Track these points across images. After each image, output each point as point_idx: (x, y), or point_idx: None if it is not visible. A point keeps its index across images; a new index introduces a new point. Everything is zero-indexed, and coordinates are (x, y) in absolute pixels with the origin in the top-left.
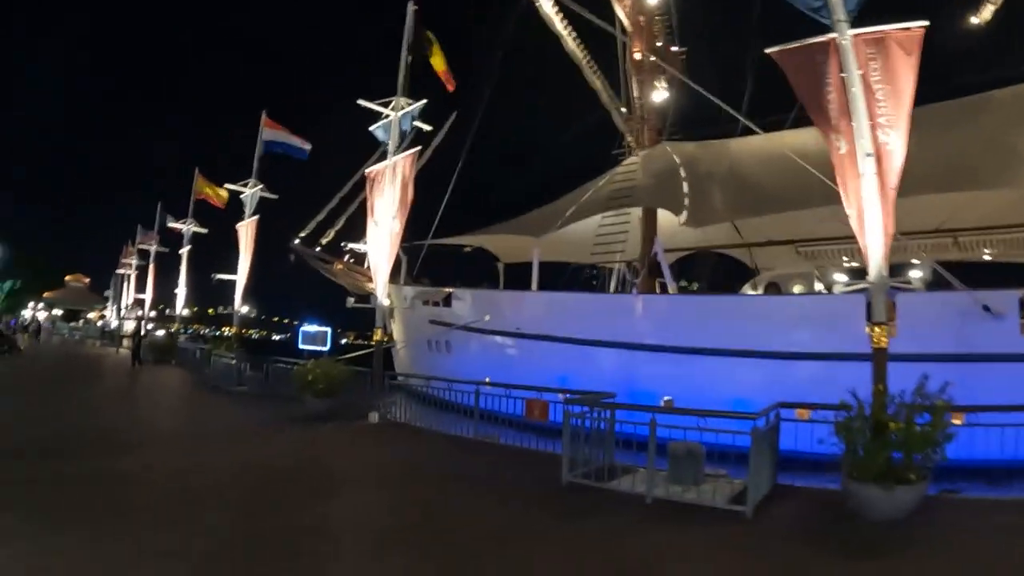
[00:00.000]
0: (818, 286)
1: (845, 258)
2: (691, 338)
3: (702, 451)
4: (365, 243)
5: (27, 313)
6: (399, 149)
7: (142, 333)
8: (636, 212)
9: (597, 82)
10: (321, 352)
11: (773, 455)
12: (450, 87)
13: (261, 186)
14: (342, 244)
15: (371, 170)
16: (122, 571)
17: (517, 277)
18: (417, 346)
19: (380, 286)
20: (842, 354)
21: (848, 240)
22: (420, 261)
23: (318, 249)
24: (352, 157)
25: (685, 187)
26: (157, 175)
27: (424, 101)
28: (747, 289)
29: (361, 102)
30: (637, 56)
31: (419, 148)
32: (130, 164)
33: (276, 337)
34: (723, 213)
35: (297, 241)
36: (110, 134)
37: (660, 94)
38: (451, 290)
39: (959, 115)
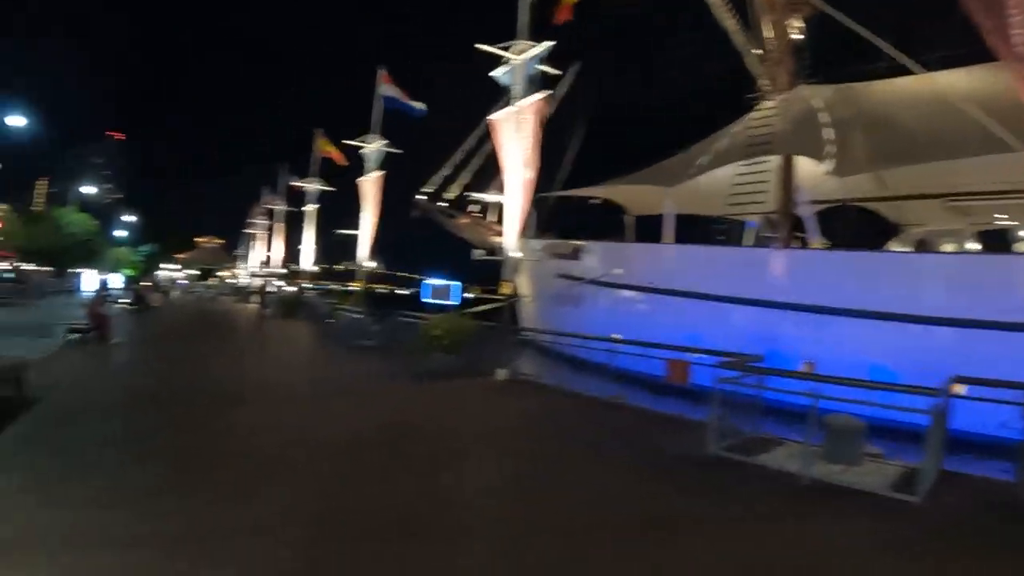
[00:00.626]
0: (970, 245)
1: (1000, 215)
2: (835, 298)
3: (863, 427)
4: (491, 193)
5: (160, 274)
6: (524, 95)
7: (267, 289)
8: (775, 161)
9: (730, 20)
10: (447, 306)
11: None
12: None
13: (385, 142)
14: (466, 194)
15: (495, 117)
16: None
17: (646, 230)
18: (544, 300)
19: (512, 237)
20: (1015, 324)
21: (1007, 195)
22: (546, 214)
23: (443, 204)
24: (476, 107)
25: (827, 133)
26: (281, 137)
27: (550, 43)
28: (892, 247)
29: (480, 46)
30: None
31: (549, 93)
32: (257, 128)
33: (400, 292)
34: (870, 161)
35: (421, 196)
36: (235, 103)
37: (795, 32)
38: (580, 243)
39: None
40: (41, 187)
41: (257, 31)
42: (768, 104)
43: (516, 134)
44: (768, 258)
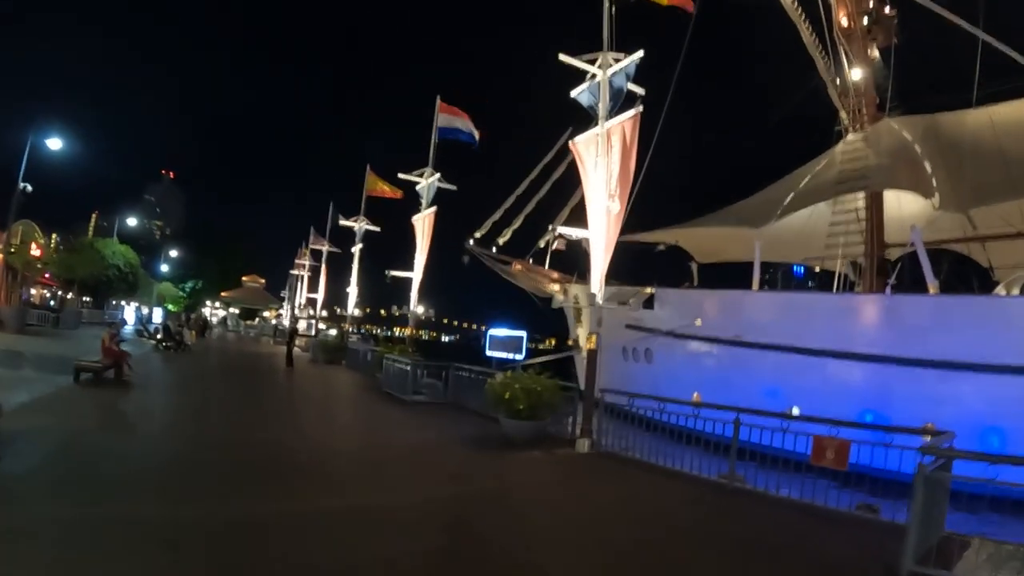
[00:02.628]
0: None
1: None
2: (962, 350)
3: None
4: (570, 227)
5: (205, 311)
6: (610, 114)
7: (299, 333)
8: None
9: (815, 49)
10: (513, 361)
11: None
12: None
13: (438, 175)
14: (550, 227)
15: (577, 141)
16: None
17: (711, 280)
18: (610, 354)
19: (596, 280)
20: None
21: None
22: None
23: (496, 248)
24: (536, 146)
25: (928, 166)
26: (332, 174)
27: (640, 53)
28: (1000, 292)
29: (564, 57)
30: (844, 22)
31: (641, 109)
32: (308, 164)
33: (445, 339)
34: (989, 194)
35: (473, 242)
36: (286, 136)
37: (874, 64)
38: (653, 290)
39: None
40: (93, 220)
41: (312, 66)
42: (854, 138)
43: (602, 158)
44: (882, 306)
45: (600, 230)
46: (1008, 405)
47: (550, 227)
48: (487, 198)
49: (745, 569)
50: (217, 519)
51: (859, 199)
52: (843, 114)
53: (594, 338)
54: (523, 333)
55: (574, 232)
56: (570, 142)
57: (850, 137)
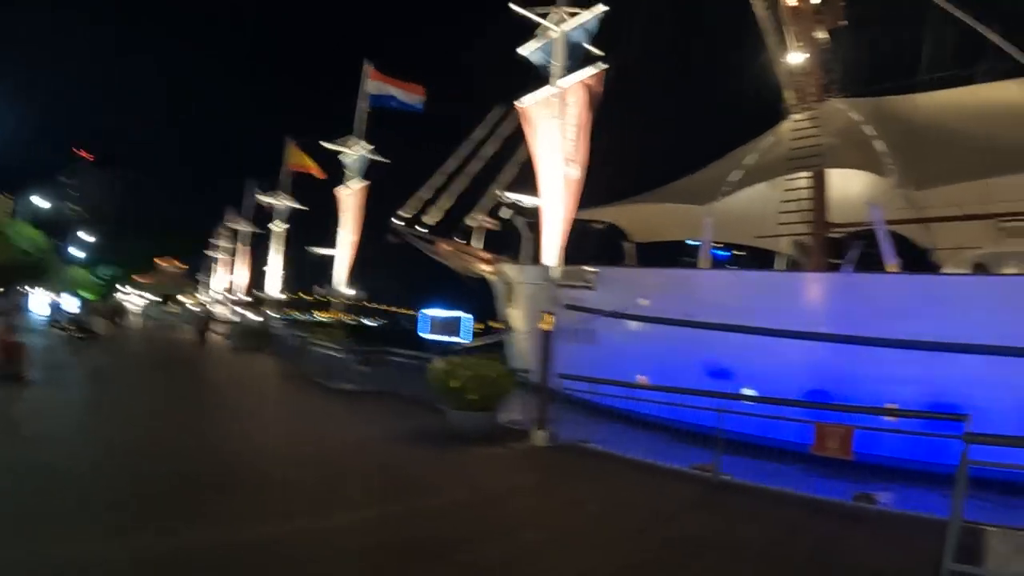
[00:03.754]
0: None
1: None
2: (923, 328)
3: None
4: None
5: (119, 298)
6: (564, 74)
7: (213, 319)
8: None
9: (767, 24)
10: (452, 344)
11: None
12: None
13: (364, 145)
14: (497, 192)
15: (525, 102)
16: None
17: (644, 260)
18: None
19: (552, 253)
20: None
21: None
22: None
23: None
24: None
25: (878, 146)
26: (250, 148)
27: (602, 7)
28: (951, 271)
29: (515, 8)
30: (792, 1)
31: (604, 68)
32: (223, 139)
33: (374, 323)
34: (945, 174)
35: (399, 221)
36: (198, 109)
37: (823, 43)
38: (596, 269)
39: None
40: (3, 202)
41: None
42: (800, 117)
43: (556, 121)
44: (842, 284)
45: (555, 198)
46: (969, 384)
47: (497, 192)
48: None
49: None
50: (120, 558)
51: (804, 179)
52: (788, 93)
53: (550, 318)
54: (465, 315)
55: (524, 199)
56: (517, 104)
57: (796, 116)
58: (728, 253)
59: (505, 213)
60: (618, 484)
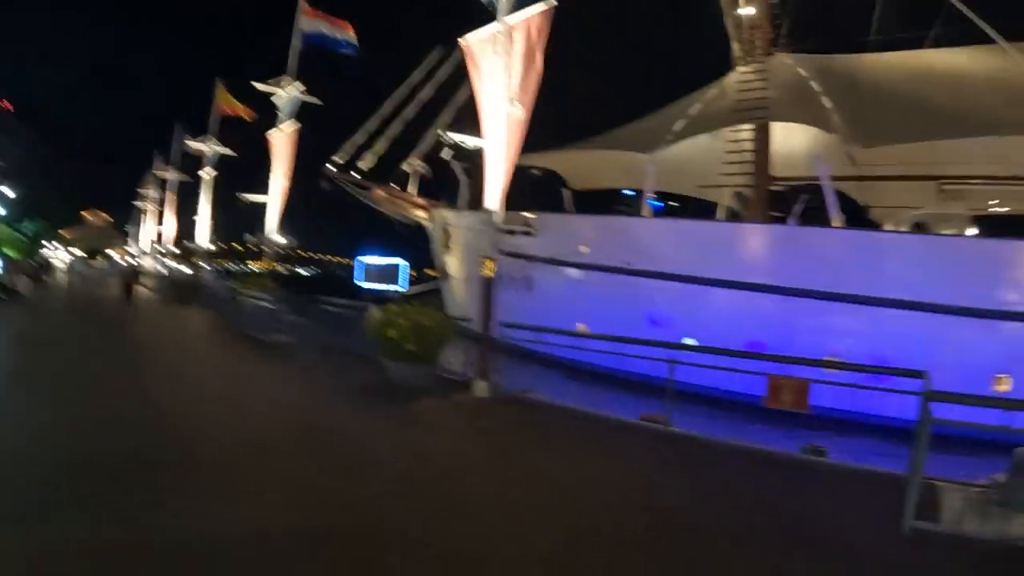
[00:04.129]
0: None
1: (993, 201)
2: (865, 283)
3: None
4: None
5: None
6: (513, 10)
7: (137, 272)
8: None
9: None
10: (390, 293)
11: None
12: None
13: (298, 85)
14: (438, 132)
15: (469, 39)
16: None
17: (585, 208)
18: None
19: (494, 197)
20: None
21: (1009, 181)
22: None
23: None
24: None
25: (826, 102)
26: (181, 93)
27: None
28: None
29: None
30: None
31: (555, 4)
32: (151, 83)
33: (307, 272)
34: (896, 133)
35: (333, 166)
36: (124, 54)
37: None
38: (534, 215)
39: None
40: None
41: None
42: (746, 70)
43: (502, 58)
44: (787, 236)
45: (499, 139)
46: (908, 340)
47: (438, 132)
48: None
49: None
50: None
51: (748, 131)
52: (736, 45)
53: (491, 264)
54: (402, 262)
55: (466, 140)
56: (462, 41)
57: (742, 69)
58: (662, 204)
59: (446, 154)
60: (572, 440)
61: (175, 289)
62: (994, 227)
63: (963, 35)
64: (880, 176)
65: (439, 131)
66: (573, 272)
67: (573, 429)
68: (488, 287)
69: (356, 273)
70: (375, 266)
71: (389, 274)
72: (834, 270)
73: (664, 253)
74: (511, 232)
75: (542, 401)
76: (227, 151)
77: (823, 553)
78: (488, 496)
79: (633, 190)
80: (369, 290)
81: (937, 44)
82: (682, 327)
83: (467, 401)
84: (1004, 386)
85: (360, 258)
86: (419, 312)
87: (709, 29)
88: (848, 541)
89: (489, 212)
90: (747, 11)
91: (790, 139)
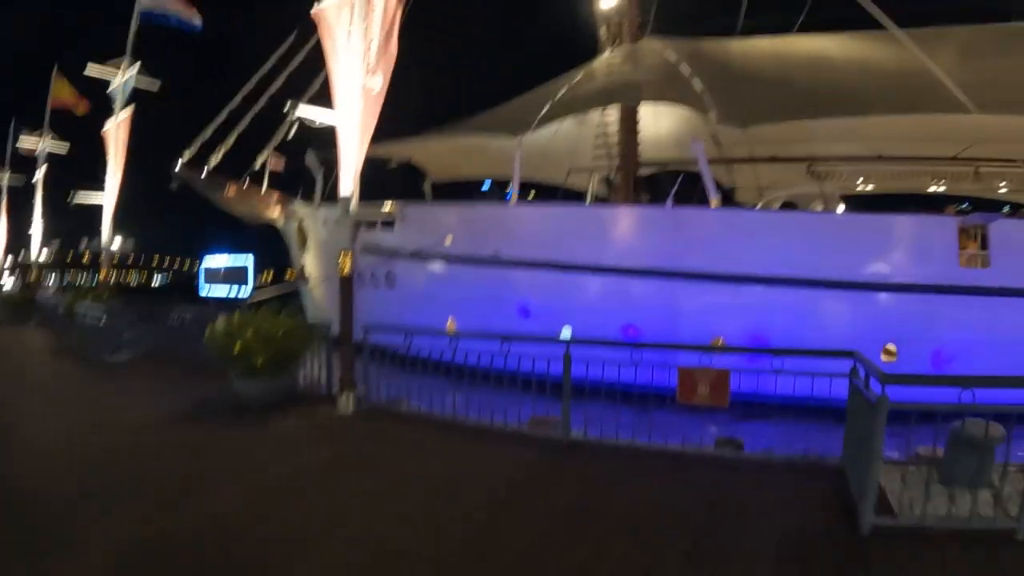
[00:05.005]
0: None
1: (861, 180)
2: (746, 263)
3: (1001, 435)
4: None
5: None
6: None
7: None
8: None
9: None
10: (238, 298)
11: None
12: None
13: (137, 66)
14: (288, 103)
15: (324, 4)
16: None
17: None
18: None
19: (349, 182)
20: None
21: (873, 161)
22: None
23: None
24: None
25: (697, 84)
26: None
27: None
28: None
29: None
30: None
31: None
32: None
33: (147, 280)
34: (768, 113)
35: (181, 164)
36: None
37: None
38: (394, 206)
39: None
40: None
41: None
42: (615, 53)
43: (357, 24)
44: (664, 219)
45: (354, 113)
46: (791, 318)
47: (288, 103)
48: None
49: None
50: None
51: (616, 114)
52: (603, 30)
53: (348, 259)
54: (248, 259)
55: (319, 115)
56: (315, 9)
57: (610, 52)
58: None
59: (307, 121)
60: (452, 455)
61: (6, 307)
62: (862, 206)
63: (831, 22)
64: (749, 158)
65: (289, 102)
66: (439, 265)
67: (450, 443)
68: (348, 285)
69: (201, 276)
70: (217, 268)
71: (235, 276)
72: (714, 250)
73: (535, 240)
74: (371, 225)
75: (416, 412)
76: (60, 148)
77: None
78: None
79: (496, 181)
80: (215, 296)
81: (805, 30)
82: (556, 316)
83: (326, 419)
84: (890, 357)
85: (204, 261)
86: (268, 320)
87: (575, 13)
88: (801, 551)
89: (344, 198)
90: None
91: (659, 123)
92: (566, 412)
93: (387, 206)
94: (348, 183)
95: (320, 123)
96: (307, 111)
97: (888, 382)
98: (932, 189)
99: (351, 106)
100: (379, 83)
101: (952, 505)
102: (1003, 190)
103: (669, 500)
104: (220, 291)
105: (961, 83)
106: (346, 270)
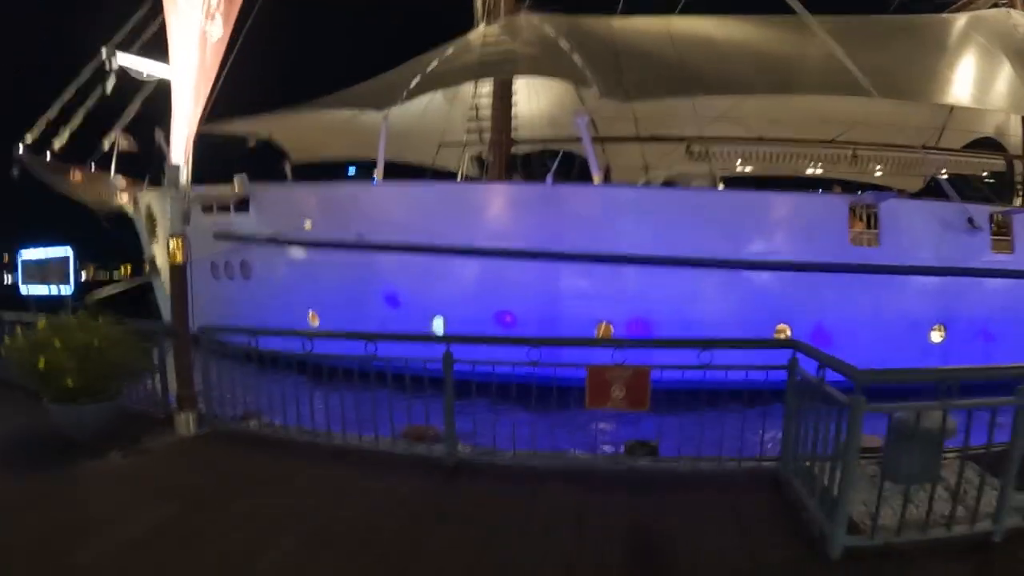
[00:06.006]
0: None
1: (740, 161)
2: (636, 243)
3: (955, 428)
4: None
5: None
6: None
7: None
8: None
9: None
10: (61, 297)
11: None
12: None
13: None
14: (103, 49)
15: None
16: None
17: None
18: (196, 273)
19: (180, 141)
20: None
21: (753, 142)
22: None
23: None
24: None
25: (578, 59)
26: None
27: None
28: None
29: None
30: None
31: None
32: None
33: None
34: (656, 88)
35: (23, 149)
36: None
37: None
38: (248, 187)
39: (887, 31)
40: None
41: None
42: (490, 27)
43: None
44: (544, 196)
45: (190, 65)
46: (683, 299)
47: (104, 50)
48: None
49: None
50: None
51: (490, 89)
52: (479, 2)
53: (179, 243)
54: (67, 251)
55: (145, 66)
56: None
57: (484, 26)
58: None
59: (132, 73)
60: (308, 498)
61: None
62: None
63: (712, 5)
64: (627, 137)
65: (103, 48)
66: (298, 252)
67: (313, 472)
68: (181, 277)
69: (19, 273)
70: (35, 261)
71: (54, 271)
72: (598, 230)
73: (403, 222)
74: (224, 208)
75: (271, 431)
76: None
77: None
78: None
79: (363, 166)
80: (33, 296)
81: (687, 12)
82: (427, 304)
83: (162, 451)
84: (783, 334)
85: (21, 254)
86: (84, 328)
87: None
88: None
89: (173, 168)
90: None
91: (535, 100)
92: (450, 428)
93: (237, 185)
94: (179, 149)
95: (148, 75)
96: (130, 60)
97: (866, 381)
98: (810, 172)
99: (187, 56)
100: (219, 30)
101: (913, 508)
102: (878, 174)
103: (585, 543)
104: (40, 290)
105: (836, 68)
106: (178, 258)
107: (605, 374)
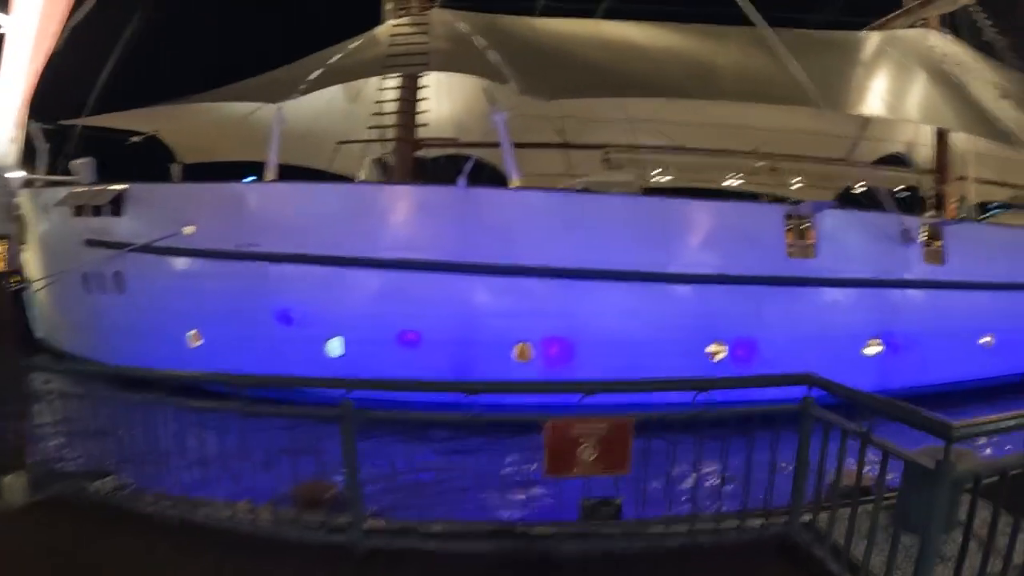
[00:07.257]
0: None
1: (659, 171)
2: (561, 253)
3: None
4: None
5: None
6: None
7: None
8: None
9: None
10: None
11: None
12: None
13: None
14: None
15: None
16: None
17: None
18: (66, 287)
19: (9, 113)
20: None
21: (673, 151)
22: (61, 154)
23: None
24: None
25: (494, 56)
26: None
27: None
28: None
29: None
30: None
31: None
32: None
33: None
34: (580, 87)
35: None
36: None
37: None
38: (121, 187)
39: (807, 44)
40: None
41: None
42: (401, 22)
43: None
44: (455, 200)
45: (30, 16)
46: (603, 314)
47: None
48: None
49: None
50: None
51: (395, 87)
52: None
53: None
54: None
55: None
56: None
57: (394, 21)
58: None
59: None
60: None
61: None
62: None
63: (635, 12)
64: (540, 143)
65: None
66: (178, 262)
67: (178, 566)
68: (4, 297)
69: None
70: None
71: None
72: (517, 239)
73: (296, 228)
74: (96, 210)
75: (126, 497)
76: None
77: None
78: None
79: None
80: None
81: (608, 16)
82: (324, 322)
83: None
84: (720, 355)
85: None
86: None
87: None
88: None
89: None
90: None
91: (445, 101)
92: (356, 505)
93: (77, 171)
94: (7, 117)
95: None
96: None
97: (965, 436)
98: (729, 183)
99: (26, 6)
100: None
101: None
102: (797, 186)
103: None
104: None
105: (752, 77)
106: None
107: (570, 429)
